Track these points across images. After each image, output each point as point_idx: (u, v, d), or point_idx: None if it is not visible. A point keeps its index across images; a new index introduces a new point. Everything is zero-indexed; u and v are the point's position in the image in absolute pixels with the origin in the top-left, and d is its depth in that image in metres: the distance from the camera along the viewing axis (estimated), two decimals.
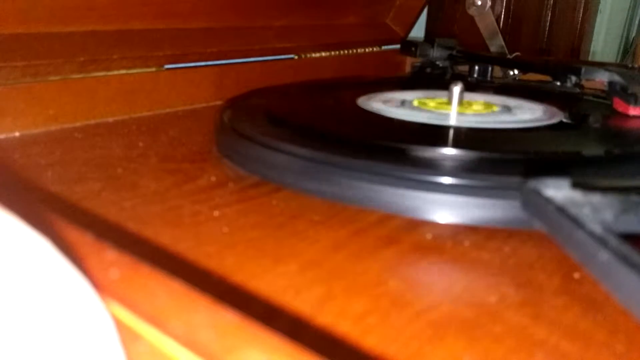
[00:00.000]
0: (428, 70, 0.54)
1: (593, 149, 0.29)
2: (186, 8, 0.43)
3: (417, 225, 0.23)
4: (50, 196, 0.24)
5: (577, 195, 0.17)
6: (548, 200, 0.17)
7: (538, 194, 0.17)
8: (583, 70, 0.42)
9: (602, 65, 0.41)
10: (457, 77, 0.52)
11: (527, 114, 0.34)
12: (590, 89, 0.43)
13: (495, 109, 0.35)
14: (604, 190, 0.17)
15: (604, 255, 0.13)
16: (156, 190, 0.26)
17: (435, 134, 0.30)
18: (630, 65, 0.44)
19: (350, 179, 0.24)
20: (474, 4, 0.52)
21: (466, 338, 0.15)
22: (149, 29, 0.41)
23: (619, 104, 0.36)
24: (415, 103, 0.36)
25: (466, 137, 0.30)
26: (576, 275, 0.19)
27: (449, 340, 0.15)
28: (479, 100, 0.37)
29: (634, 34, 1.34)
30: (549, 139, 0.30)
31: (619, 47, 1.35)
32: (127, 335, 0.13)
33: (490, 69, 0.51)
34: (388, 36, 0.63)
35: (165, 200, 0.24)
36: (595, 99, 0.40)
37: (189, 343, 0.12)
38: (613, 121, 0.35)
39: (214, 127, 0.33)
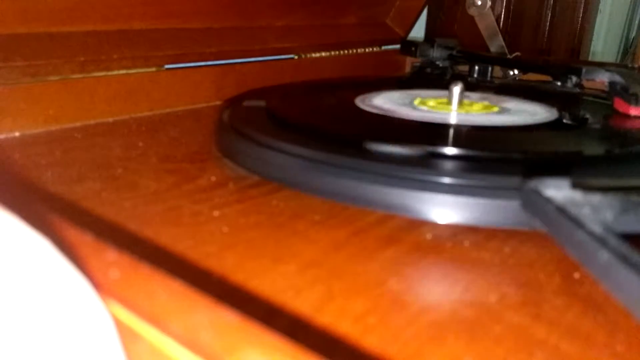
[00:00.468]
0: (428, 70, 0.54)
1: (593, 149, 0.29)
2: (186, 8, 0.43)
3: (417, 225, 0.23)
4: (50, 196, 0.24)
5: (577, 195, 0.17)
6: (548, 201, 0.17)
7: (538, 194, 0.17)
8: (583, 70, 0.42)
9: (602, 66, 0.41)
10: (457, 77, 0.52)
11: (527, 114, 0.34)
12: (591, 89, 0.43)
13: (495, 109, 0.35)
14: (604, 190, 0.17)
15: (604, 255, 0.13)
16: (156, 190, 0.26)
17: (436, 134, 0.30)
18: (630, 65, 0.44)
19: (350, 178, 0.24)
20: (474, 4, 0.52)
21: (466, 338, 0.15)
22: (149, 29, 0.41)
23: (619, 104, 0.36)
24: (415, 103, 0.36)
25: (466, 137, 0.30)
26: (576, 275, 0.19)
27: (449, 340, 0.15)
28: (479, 100, 0.37)
29: (634, 34, 1.34)
30: (549, 139, 0.30)
31: (619, 47, 1.35)
32: (127, 335, 0.13)
33: (490, 69, 0.51)
34: (388, 36, 0.63)
35: (165, 200, 0.24)
36: (595, 99, 0.40)
37: (189, 343, 0.12)
38: (613, 121, 0.35)
39: (214, 127, 0.33)
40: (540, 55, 0.95)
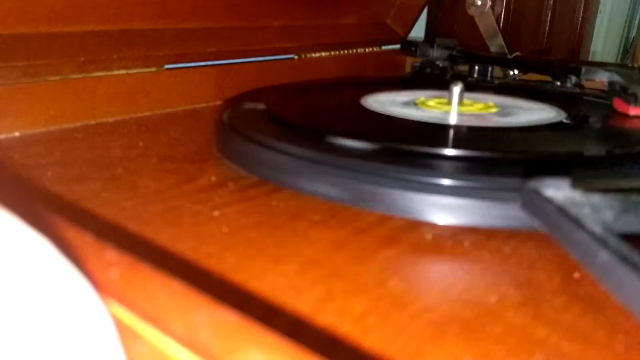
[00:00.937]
0: (428, 70, 0.54)
1: (593, 149, 0.29)
2: (186, 8, 0.43)
3: (417, 225, 0.23)
4: (50, 196, 0.24)
5: (577, 195, 0.17)
6: (548, 201, 0.17)
7: (538, 194, 0.17)
8: (583, 70, 0.42)
9: (602, 65, 0.41)
10: (457, 77, 0.52)
11: (527, 114, 0.34)
12: (591, 89, 0.43)
13: (495, 109, 0.35)
14: (604, 190, 0.17)
15: (604, 255, 0.13)
16: (156, 190, 0.26)
17: (435, 134, 0.30)
18: (630, 65, 0.44)
19: (350, 179, 0.24)
20: (474, 4, 0.52)
21: (466, 338, 0.15)
22: (149, 29, 0.41)
23: (619, 104, 0.36)
24: (415, 103, 0.36)
25: (466, 137, 0.30)
26: (576, 275, 0.19)
27: (449, 340, 0.15)
28: (479, 100, 0.37)
29: (634, 34, 1.34)
30: (549, 139, 0.30)
31: (619, 47, 1.35)
32: (127, 335, 0.13)
33: (490, 69, 0.51)
34: (388, 36, 0.63)
35: (165, 200, 0.24)
36: (595, 99, 0.40)
37: (189, 343, 0.12)
38: (613, 121, 0.35)
39: (214, 127, 0.33)
40: (540, 55, 0.95)
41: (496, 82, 0.50)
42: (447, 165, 0.24)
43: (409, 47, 0.57)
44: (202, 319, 0.12)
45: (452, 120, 0.32)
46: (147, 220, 0.22)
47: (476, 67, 0.51)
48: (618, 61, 1.33)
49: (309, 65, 0.54)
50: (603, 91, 0.40)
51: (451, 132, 0.30)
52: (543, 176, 0.18)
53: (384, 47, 0.63)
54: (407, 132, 0.31)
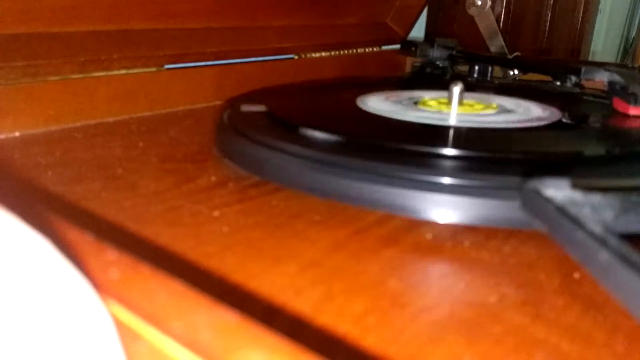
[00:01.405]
0: (428, 70, 0.54)
1: (593, 149, 0.29)
2: (186, 8, 0.43)
3: (417, 225, 0.23)
4: (50, 196, 0.24)
5: (577, 195, 0.17)
6: (548, 200, 0.17)
7: (538, 194, 0.17)
8: (583, 70, 0.42)
9: (602, 65, 0.41)
10: (457, 77, 0.52)
11: (527, 113, 0.34)
12: (590, 89, 0.43)
13: (495, 109, 0.35)
14: (604, 190, 0.17)
15: (604, 255, 0.13)
16: (156, 190, 0.26)
17: (435, 134, 0.30)
18: (630, 65, 0.44)
19: (350, 179, 0.24)
20: (474, 4, 0.52)
21: (466, 338, 0.15)
22: (149, 29, 0.41)
23: (619, 104, 0.36)
24: (415, 103, 0.36)
25: (466, 137, 0.30)
26: (576, 275, 0.19)
27: (449, 340, 0.15)
28: (479, 100, 0.37)
29: (634, 34, 1.34)
30: (549, 139, 0.30)
31: (619, 47, 1.35)
32: (127, 335, 0.13)
33: (490, 69, 0.51)
34: (388, 36, 0.63)
35: (165, 200, 0.24)
36: (595, 99, 0.40)
37: (189, 343, 0.12)
38: (613, 121, 0.35)
39: (214, 127, 0.33)
40: (540, 55, 0.95)
41: (496, 82, 0.50)
42: (447, 164, 0.24)
43: (409, 47, 0.57)
44: (202, 319, 0.12)
45: (452, 120, 0.32)
46: (147, 220, 0.22)
47: (476, 67, 0.51)
48: (618, 61, 1.33)
49: (309, 65, 0.54)
50: (603, 91, 0.40)
51: (451, 132, 0.30)
52: (543, 176, 0.18)
53: (384, 47, 0.63)
54: (408, 132, 0.31)
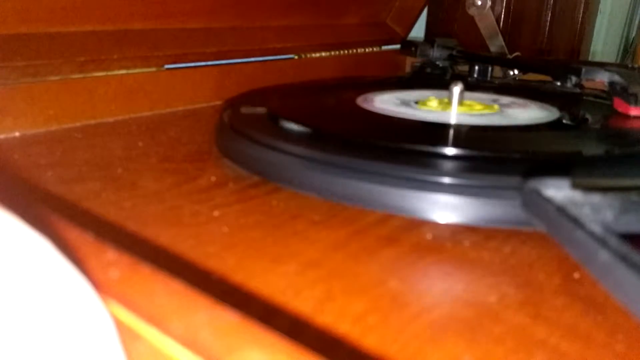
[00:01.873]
0: (428, 70, 0.54)
1: (593, 149, 0.29)
2: (186, 8, 0.43)
3: (417, 225, 0.23)
4: (50, 196, 0.24)
5: (577, 195, 0.17)
6: (548, 200, 0.17)
7: (538, 194, 0.17)
8: (583, 70, 0.42)
9: (602, 65, 0.41)
10: (457, 77, 0.52)
11: (527, 113, 0.34)
12: (591, 89, 0.43)
13: (495, 108, 0.35)
14: (604, 190, 0.17)
15: (604, 255, 0.13)
16: (156, 190, 0.26)
17: (436, 134, 0.30)
18: (630, 65, 0.44)
19: (350, 179, 0.24)
20: (474, 4, 0.52)
21: (466, 338, 0.15)
22: (149, 29, 0.41)
23: (619, 104, 0.36)
24: (415, 103, 0.36)
25: (466, 137, 0.30)
26: (576, 275, 0.19)
27: (449, 340, 0.15)
28: (479, 100, 0.37)
29: (634, 34, 1.34)
30: (549, 139, 0.30)
31: (619, 47, 1.35)
32: (127, 335, 0.13)
33: (490, 69, 0.51)
34: (388, 36, 0.63)
35: (165, 200, 0.24)
36: (595, 99, 0.40)
37: (189, 343, 0.12)
38: (613, 121, 0.35)
39: (214, 127, 0.33)
40: (540, 55, 0.95)
41: (496, 82, 0.50)
42: (447, 164, 0.24)
43: (409, 47, 0.57)
44: (202, 319, 0.12)
45: (453, 119, 0.32)
46: (147, 220, 0.22)
47: (476, 67, 0.51)
48: (618, 61, 1.33)
49: (309, 65, 0.54)
50: (603, 91, 0.40)
51: (451, 132, 0.30)
52: (543, 176, 0.18)
53: (384, 47, 0.63)
54: (408, 132, 0.31)
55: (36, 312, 0.11)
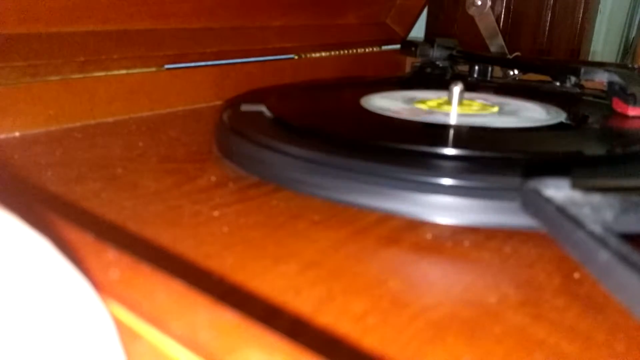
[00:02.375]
0: (428, 70, 0.54)
1: (593, 149, 0.29)
2: (186, 8, 0.43)
3: (417, 225, 0.23)
4: (50, 196, 0.24)
5: (577, 195, 0.17)
6: (548, 201, 0.17)
7: (538, 194, 0.17)
8: (583, 70, 0.42)
9: (601, 66, 0.41)
10: (457, 77, 0.52)
11: (527, 114, 0.34)
12: (590, 89, 0.43)
13: (495, 109, 0.35)
14: (604, 190, 0.17)
15: (604, 255, 0.13)
16: (156, 190, 0.26)
17: (435, 134, 0.30)
18: (630, 65, 0.44)
19: (349, 179, 0.24)
20: (474, 4, 0.52)
21: (466, 338, 0.15)
22: (149, 29, 0.41)
23: (618, 105, 0.36)
24: (415, 103, 0.36)
25: (466, 137, 0.30)
26: (576, 275, 0.19)
27: (449, 340, 0.15)
28: (479, 100, 0.37)
29: (634, 34, 1.34)
30: (549, 139, 0.30)
31: (619, 47, 1.35)
32: (127, 335, 0.13)
33: (490, 69, 0.51)
34: (388, 36, 0.63)
35: (165, 200, 0.24)
36: (595, 99, 0.40)
37: (189, 343, 0.12)
38: (612, 121, 0.35)
39: (214, 127, 0.33)
40: (540, 55, 0.95)
41: (496, 82, 0.50)
42: (447, 164, 0.24)
43: (409, 47, 0.57)
44: (202, 319, 0.12)
45: (452, 120, 0.32)
46: (147, 220, 0.22)
47: (476, 67, 0.51)
48: (618, 61, 1.33)
49: (309, 65, 0.54)
50: (603, 91, 0.40)
51: (451, 132, 0.30)
52: (543, 176, 0.18)
53: (384, 47, 0.63)
54: (408, 132, 0.31)
55: (36, 313, 0.11)
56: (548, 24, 0.96)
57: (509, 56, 0.52)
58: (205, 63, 0.44)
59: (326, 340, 0.15)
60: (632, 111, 0.35)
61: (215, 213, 0.23)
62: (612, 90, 0.38)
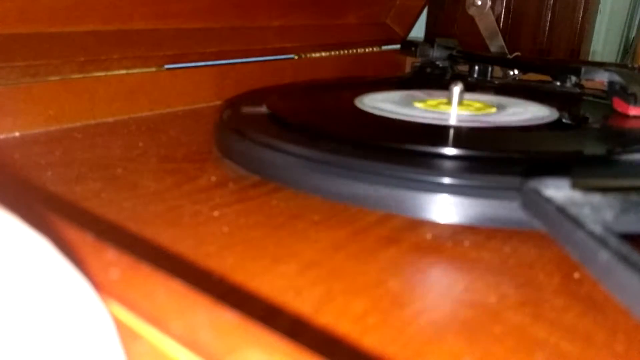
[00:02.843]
0: (428, 70, 0.54)
1: (593, 149, 0.29)
2: (186, 8, 0.43)
3: (417, 225, 0.23)
4: (50, 196, 0.24)
5: (577, 195, 0.17)
6: (548, 200, 0.17)
7: (538, 194, 0.17)
8: (583, 70, 0.42)
9: (602, 65, 0.41)
10: (457, 77, 0.52)
11: (527, 113, 0.34)
12: (591, 89, 0.43)
13: (495, 109, 0.35)
14: (604, 190, 0.17)
15: (604, 255, 0.13)
16: (156, 190, 0.26)
17: (435, 134, 0.30)
18: (630, 65, 0.44)
19: (350, 179, 0.24)
20: (474, 4, 0.52)
21: (466, 338, 0.15)
22: (149, 29, 0.41)
23: (618, 104, 0.36)
24: (415, 103, 0.36)
25: (466, 137, 0.30)
26: (576, 275, 0.19)
27: (449, 340, 0.15)
28: (479, 100, 0.37)
29: (634, 34, 1.34)
30: (549, 138, 0.30)
31: (619, 47, 1.35)
32: (127, 335, 0.13)
33: (490, 69, 0.51)
34: (388, 36, 0.63)
35: (165, 200, 0.24)
36: (595, 99, 0.40)
37: (189, 343, 0.12)
38: (613, 121, 0.35)
39: (214, 127, 0.33)
40: (540, 55, 0.95)
41: (496, 82, 0.50)
42: (447, 164, 0.24)
43: (409, 47, 0.57)
44: (202, 319, 0.12)
45: (453, 120, 0.32)
46: (147, 220, 0.22)
47: (476, 67, 0.51)
48: (618, 61, 1.33)
49: (309, 65, 0.54)
50: (603, 91, 0.40)
51: (451, 132, 0.30)
52: (543, 176, 0.18)
53: (384, 47, 0.63)
54: (408, 132, 0.31)
55: (36, 313, 0.11)
56: (548, 24, 0.96)
57: (509, 56, 0.52)
58: (205, 63, 0.44)
59: (326, 340, 0.15)
60: (633, 111, 0.35)
61: (215, 213, 0.23)
62: (612, 90, 0.38)
